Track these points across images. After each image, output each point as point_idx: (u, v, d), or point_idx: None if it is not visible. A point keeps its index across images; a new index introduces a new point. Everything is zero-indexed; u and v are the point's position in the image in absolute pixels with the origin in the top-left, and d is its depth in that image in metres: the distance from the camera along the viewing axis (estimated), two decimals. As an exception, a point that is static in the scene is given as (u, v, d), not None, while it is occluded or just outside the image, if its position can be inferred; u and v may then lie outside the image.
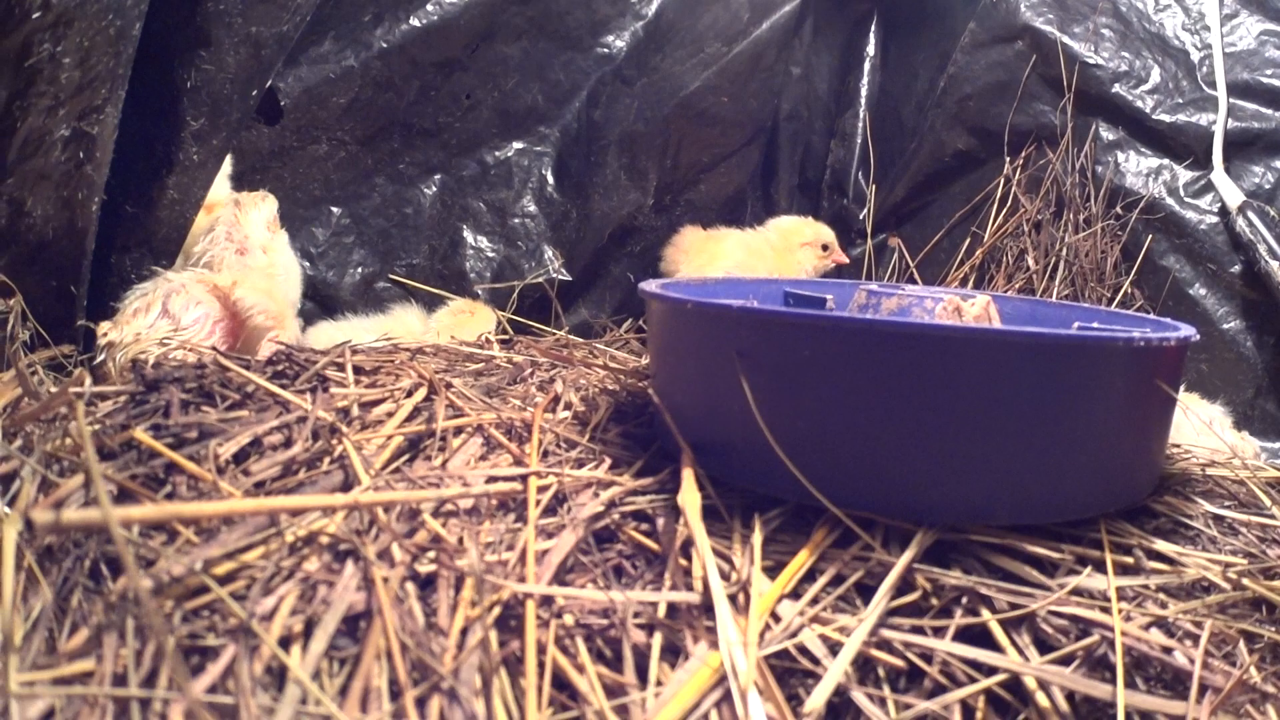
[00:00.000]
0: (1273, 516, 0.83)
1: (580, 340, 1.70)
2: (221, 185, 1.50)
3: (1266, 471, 0.99)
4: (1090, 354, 0.69)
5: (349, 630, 0.57)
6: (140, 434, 0.74)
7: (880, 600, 0.62)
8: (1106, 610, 0.63)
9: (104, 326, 1.17)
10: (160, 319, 1.18)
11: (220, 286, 1.26)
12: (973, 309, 0.93)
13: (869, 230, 2.21)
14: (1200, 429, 1.19)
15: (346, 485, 0.71)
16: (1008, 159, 2.02)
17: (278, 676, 0.54)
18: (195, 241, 1.41)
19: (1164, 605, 0.66)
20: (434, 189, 1.90)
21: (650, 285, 0.87)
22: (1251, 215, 1.66)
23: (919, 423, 0.67)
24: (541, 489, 0.72)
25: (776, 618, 0.61)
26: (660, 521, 0.70)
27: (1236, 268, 1.71)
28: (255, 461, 0.74)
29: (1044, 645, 0.62)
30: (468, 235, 1.91)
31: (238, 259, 1.39)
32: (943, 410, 0.66)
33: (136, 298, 1.22)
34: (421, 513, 0.66)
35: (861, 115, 2.29)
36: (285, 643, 0.56)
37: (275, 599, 0.58)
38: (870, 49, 2.31)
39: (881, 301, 0.95)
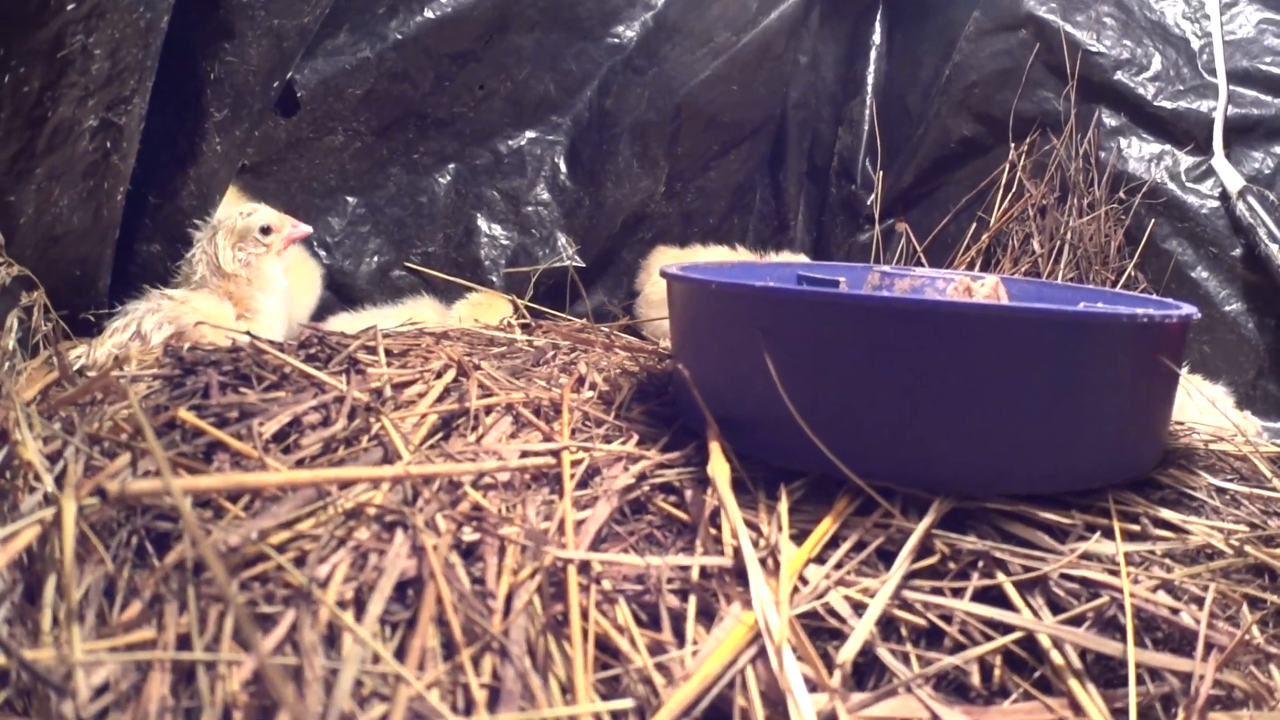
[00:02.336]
0: (1274, 489, 0.85)
1: (597, 326, 1.73)
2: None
3: (1268, 447, 1.01)
4: (1096, 330, 0.71)
5: (398, 596, 0.60)
6: (185, 413, 0.76)
7: (901, 564, 0.65)
8: (1115, 574, 0.66)
9: (78, 351, 1.15)
10: (132, 340, 1.17)
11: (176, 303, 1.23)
12: (982, 289, 0.96)
13: (877, 216, 2.23)
14: (1204, 408, 1.22)
15: (387, 460, 0.74)
16: (1012, 145, 2.04)
17: (333, 641, 0.57)
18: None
19: (1170, 569, 0.69)
20: (448, 178, 1.92)
21: (673, 268, 0.90)
22: (1252, 199, 1.68)
23: (935, 396, 0.69)
24: (574, 463, 0.75)
25: (804, 580, 0.63)
26: (689, 493, 0.73)
27: (1237, 251, 1.74)
28: (298, 439, 0.76)
29: (1056, 606, 0.64)
30: (482, 223, 1.94)
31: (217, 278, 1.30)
32: (957, 384, 0.69)
33: (119, 318, 1.21)
34: (462, 485, 0.69)
35: (868, 103, 2.31)
36: (340, 608, 0.59)
37: (330, 566, 0.60)
38: (876, 37, 2.33)
39: (895, 282, 0.98)
